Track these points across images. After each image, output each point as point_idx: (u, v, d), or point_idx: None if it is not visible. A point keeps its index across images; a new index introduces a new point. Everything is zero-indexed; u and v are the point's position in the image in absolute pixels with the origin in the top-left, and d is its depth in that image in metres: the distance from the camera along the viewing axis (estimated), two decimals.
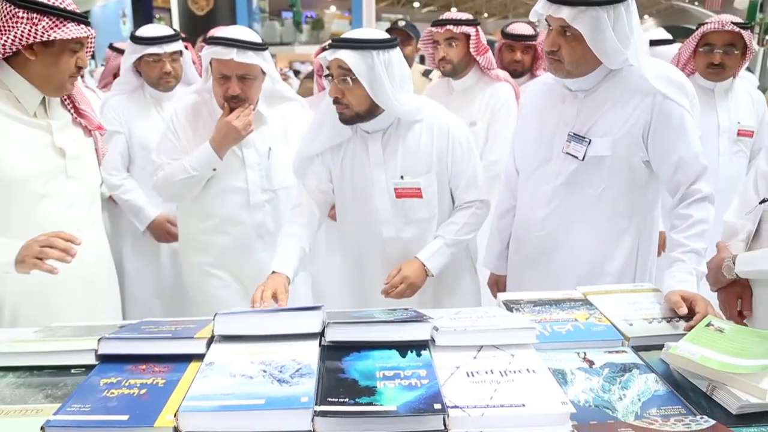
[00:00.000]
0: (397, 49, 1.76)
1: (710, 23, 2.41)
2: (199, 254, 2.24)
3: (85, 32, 1.61)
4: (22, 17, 1.53)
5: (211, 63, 2.04)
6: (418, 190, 1.83)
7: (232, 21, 11.11)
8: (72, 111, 1.77)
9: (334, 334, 1.21)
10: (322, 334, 1.23)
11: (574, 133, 1.70)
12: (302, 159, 1.97)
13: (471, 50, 2.74)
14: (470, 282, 2.07)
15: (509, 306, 1.48)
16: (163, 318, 1.44)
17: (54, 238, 1.45)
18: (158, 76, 2.57)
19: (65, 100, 1.76)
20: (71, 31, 1.57)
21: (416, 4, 26.56)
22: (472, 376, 1.12)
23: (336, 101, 1.77)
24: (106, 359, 1.19)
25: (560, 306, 1.47)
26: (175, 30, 2.62)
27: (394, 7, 25.84)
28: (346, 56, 1.68)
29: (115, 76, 2.88)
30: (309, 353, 1.17)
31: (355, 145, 1.88)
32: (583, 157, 1.68)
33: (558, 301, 1.50)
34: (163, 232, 2.62)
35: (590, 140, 1.67)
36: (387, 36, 1.75)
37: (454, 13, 2.82)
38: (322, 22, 14.48)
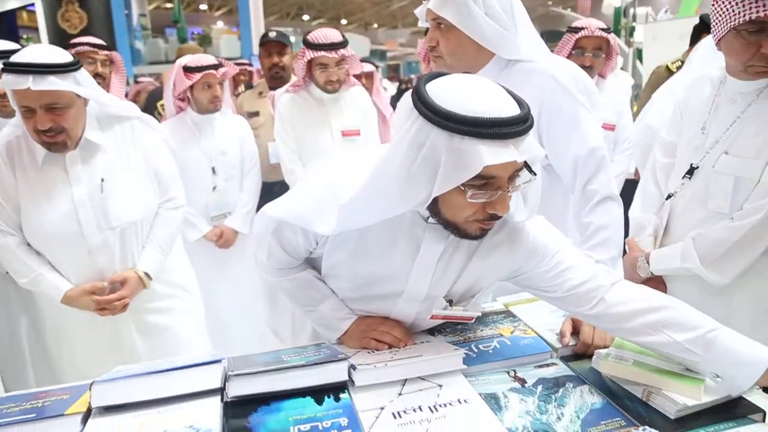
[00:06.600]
0: None
1: (583, 29, 2.57)
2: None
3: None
4: None
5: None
6: None
7: (110, 39, 10.39)
8: None
9: (236, 389, 1.05)
10: (223, 389, 1.06)
11: None
12: None
13: None
14: None
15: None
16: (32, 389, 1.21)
17: None
18: None
19: None
20: None
21: (306, 17, 26.42)
22: (400, 416, 1.00)
23: None
24: None
25: (483, 321, 1.39)
26: None
27: (284, 20, 25.55)
28: None
29: None
30: (209, 414, 1.00)
31: None
32: None
33: (479, 316, 1.42)
34: None
35: None
36: None
37: None
38: (209, 38, 13.99)
